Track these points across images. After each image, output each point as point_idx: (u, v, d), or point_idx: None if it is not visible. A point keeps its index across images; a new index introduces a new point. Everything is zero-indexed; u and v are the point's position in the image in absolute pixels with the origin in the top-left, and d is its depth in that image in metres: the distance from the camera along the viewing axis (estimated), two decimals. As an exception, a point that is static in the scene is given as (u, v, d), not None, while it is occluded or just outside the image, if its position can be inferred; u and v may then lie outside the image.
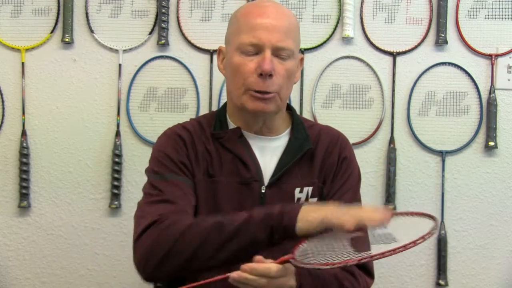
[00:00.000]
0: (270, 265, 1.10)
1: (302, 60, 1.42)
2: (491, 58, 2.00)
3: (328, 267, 1.06)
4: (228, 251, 1.16)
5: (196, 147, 1.36)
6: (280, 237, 1.14)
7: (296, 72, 1.38)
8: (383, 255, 1.03)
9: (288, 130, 1.42)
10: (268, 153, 1.38)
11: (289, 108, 1.46)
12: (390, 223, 1.10)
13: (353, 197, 1.39)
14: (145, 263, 1.20)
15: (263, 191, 1.33)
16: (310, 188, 1.36)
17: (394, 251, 1.02)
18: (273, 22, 1.29)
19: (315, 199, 1.35)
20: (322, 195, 1.37)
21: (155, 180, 1.33)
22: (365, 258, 1.04)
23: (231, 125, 1.40)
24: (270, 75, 1.28)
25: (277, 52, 1.29)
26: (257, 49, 1.29)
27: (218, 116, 1.41)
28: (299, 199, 1.35)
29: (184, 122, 1.44)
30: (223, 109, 1.43)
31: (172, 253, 1.18)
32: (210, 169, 1.35)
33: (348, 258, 1.06)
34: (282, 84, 1.31)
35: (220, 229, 1.17)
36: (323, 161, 1.39)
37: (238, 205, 1.31)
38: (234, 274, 1.09)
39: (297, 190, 1.35)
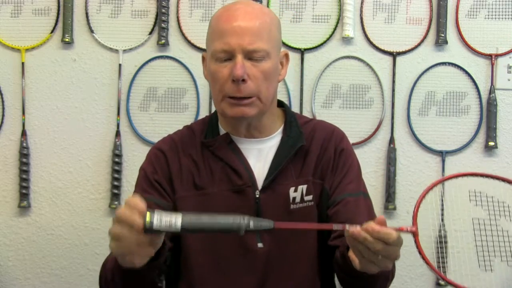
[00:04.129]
0: (392, 232, 1.02)
1: (287, 55, 1.37)
2: (491, 58, 2.00)
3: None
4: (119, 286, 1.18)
5: (180, 160, 1.35)
6: (128, 269, 1.07)
7: (279, 69, 1.34)
8: None
9: (281, 129, 1.38)
10: (261, 156, 1.35)
11: (282, 105, 1.42)
12: None
13: (357, 188, 1.36)
14: None
15: (257, 195, 1.31)
16: (305, 186, 1.33)
17: None
18: (242, 25, 1.24)
19: (310, 197, 1.33)
20: (323, 191, 1.34)
21: None
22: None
23: (222, 131, 1.37)
24: (243, 80, 1.24)
25: (250, 55, 1.25)
26: (229, 55, 1.25)
27: (210, 122, 1.39)
28: (294, 198, 1.32)
29: (175, 132, 1.43)
30: (215, 115, 1.41)
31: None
32: (197, 182, 1.33)
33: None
34: (259, 86, 1.27)
35: (105, 267, 1.22)
36: (318, 157, 1.35)
37: (232, 214, 1.30)
38: (354, 230, 1.02)
39: (292, 189, 1.32)
